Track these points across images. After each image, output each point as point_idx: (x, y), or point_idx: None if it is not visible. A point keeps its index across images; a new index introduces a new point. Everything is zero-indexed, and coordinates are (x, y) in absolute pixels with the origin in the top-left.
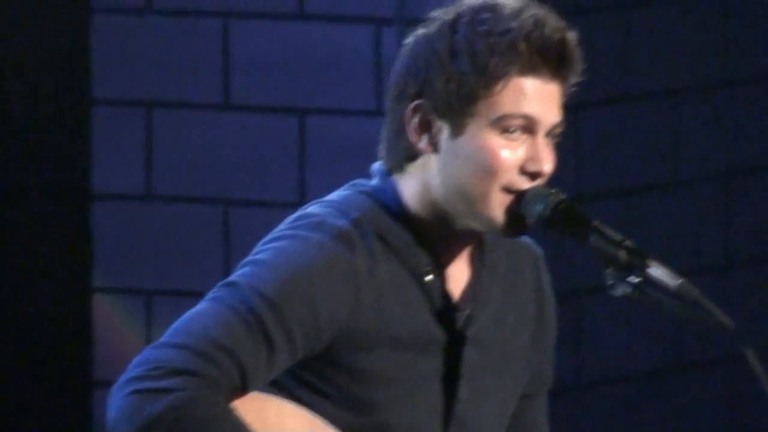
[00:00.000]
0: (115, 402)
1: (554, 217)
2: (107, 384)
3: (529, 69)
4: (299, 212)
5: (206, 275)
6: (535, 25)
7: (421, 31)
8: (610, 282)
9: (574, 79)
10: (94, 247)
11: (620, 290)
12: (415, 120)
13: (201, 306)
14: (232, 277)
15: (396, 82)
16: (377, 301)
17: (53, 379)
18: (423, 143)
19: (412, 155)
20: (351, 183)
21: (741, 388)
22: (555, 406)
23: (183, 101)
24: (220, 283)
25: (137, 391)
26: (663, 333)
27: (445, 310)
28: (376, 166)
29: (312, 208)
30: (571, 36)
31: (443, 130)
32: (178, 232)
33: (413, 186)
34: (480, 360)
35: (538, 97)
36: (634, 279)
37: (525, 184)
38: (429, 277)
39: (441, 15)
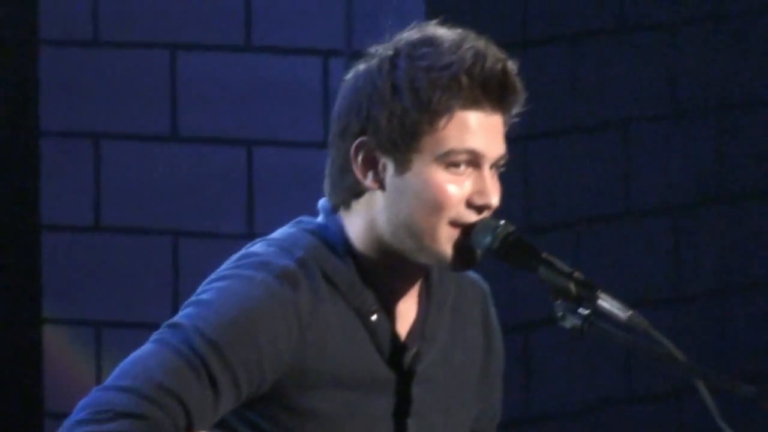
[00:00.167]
0: None
1: (503, 249)
2: (58, 415)
3: (472, 102)
4: (243, 251)
5: (155, 306)
6: (475, 57)
7: (361, 66)
8: (559, 314)
9: (517, 109)
10: (43, 278)
11: (570, 322)
12: (360, 157)
13: (146, 348)
14: (177, 318)
15: (339, 118)
16: (322, 341)
17: (4, 409)
18: (369, 180)
19: (358, 192)
20: (296, 220)
21: (691, 420)
22: None
23: (131, 133)
24: (164, 324)
25: None
26: (612, 365)
27: (393, 349)
28: (323, 202)
29: (256, 246)
30: (512, 66)
31: (388, 167)
32: (127, 263)
33: (359, 223)
34: (428, 397)
35: (482, 131)
36: (583, 311)
37: (472, 217)
38: (374, 317)
39: (380, 50)
